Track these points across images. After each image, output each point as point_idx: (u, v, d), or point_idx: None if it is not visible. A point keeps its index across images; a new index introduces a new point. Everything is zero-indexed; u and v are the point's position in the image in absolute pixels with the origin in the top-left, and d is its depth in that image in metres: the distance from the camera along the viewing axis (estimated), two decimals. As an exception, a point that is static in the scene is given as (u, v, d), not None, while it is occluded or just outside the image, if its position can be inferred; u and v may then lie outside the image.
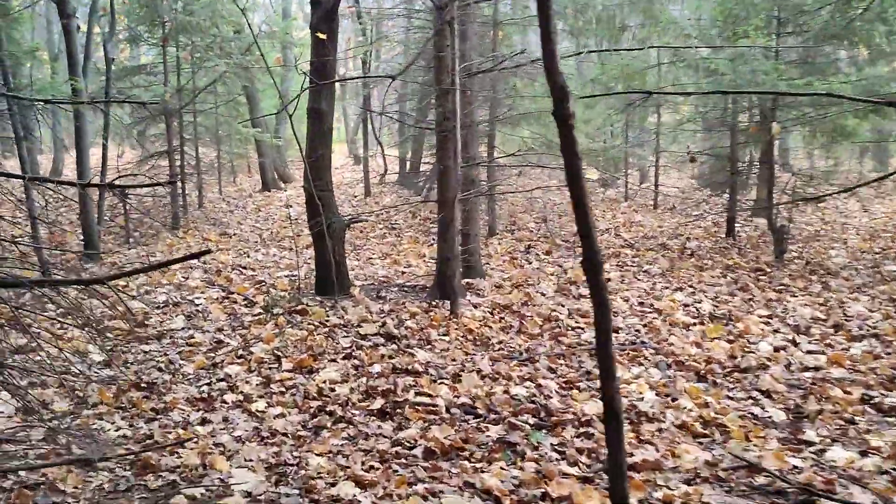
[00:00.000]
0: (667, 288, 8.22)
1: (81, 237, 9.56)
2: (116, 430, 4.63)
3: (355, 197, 17.06)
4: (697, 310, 7.21)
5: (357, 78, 8.46)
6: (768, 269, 9.04)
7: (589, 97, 9.98)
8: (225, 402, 5.10)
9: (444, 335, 6.49)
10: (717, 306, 7.38)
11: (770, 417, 4.67)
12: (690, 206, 15.79)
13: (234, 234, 12.24)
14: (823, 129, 9.71)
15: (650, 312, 7.19)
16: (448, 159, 7.32)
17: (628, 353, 5.99)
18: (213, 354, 6.14)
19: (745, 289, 8.12)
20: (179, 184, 13.27)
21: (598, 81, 12.15)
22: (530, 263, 9.86)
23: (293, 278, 8.59)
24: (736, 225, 11.77)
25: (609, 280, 8.65)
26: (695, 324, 6.76)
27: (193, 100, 12.49)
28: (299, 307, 7.24)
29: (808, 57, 9.41)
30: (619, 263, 9.77)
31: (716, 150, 11.45)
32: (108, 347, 6.31)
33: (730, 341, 6.27)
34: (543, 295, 7.83)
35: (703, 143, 15.53)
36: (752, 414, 4.73)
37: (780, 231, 9.63)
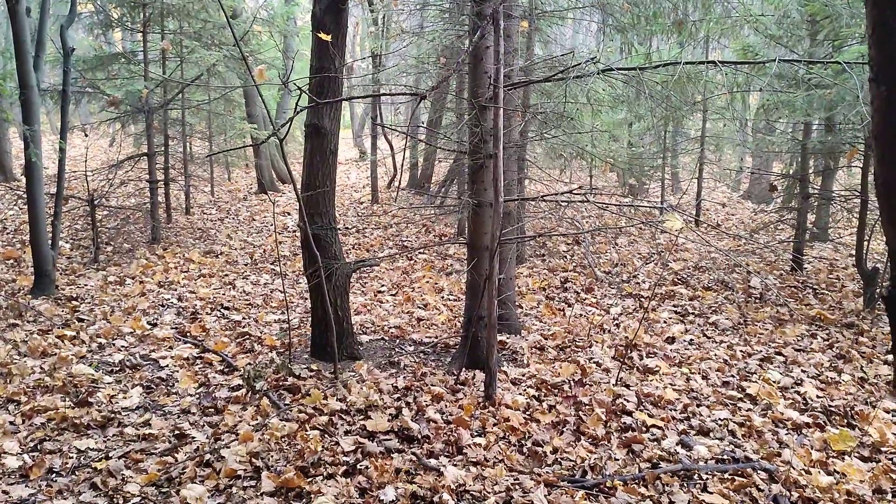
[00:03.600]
0: (749, 354, 6.59)
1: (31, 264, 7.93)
2: None
3: (361, 203, 15.40)
4: (803, 398, 5.58)
5: (373, 95, 6.85)
6: (864, 327, 7.41)
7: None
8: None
9: (478, 434, 4.89)
10: (824, 389, 5.76)
11: None
12: (735, 222, 14.14)
13: (221, 253, 10.60)
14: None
15: (741, 399, 5.57)
16: (485, 194, 5.69)
17: (731, 479, 4.38)
18: (169, 460, 4.53)
19: (847, 357, 6.51)
20: (161, 189, 11.63)
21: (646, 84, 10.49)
22: (570, 307, 8.24)
23: (285, 326, 6.99)
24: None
25: (674, 340, 7.03)
26: (808, 424, 5.14)
27: (178, 95, 10.81)
28: (289, 381, 5.63)
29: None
30: (678, 310, 8.15)
31: (785, 170, 9.77)
32: (33, 443, 4.72)
33: (864, 458, 4.66)
34: (599, 365, 6.20)
35: (752, 159, 13.91)
36: None
37: (874, 275, 7.99)
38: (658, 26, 9.58)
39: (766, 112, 9.62)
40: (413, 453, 4.61)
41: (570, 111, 8.92)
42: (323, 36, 4.63)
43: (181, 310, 7.71)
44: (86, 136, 17.81)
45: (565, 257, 10.91)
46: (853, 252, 9.69)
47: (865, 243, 8.22)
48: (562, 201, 5.70)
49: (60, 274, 8.85)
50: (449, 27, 9.84)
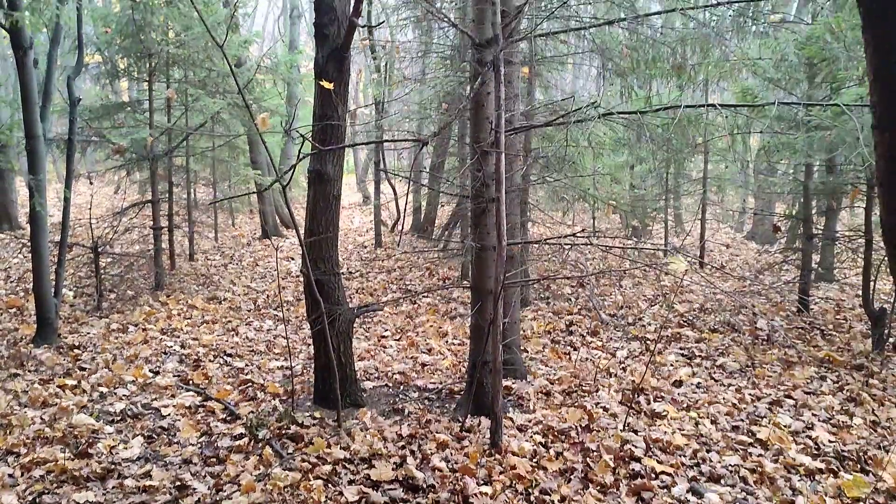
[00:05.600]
0: (758, 398, 6.50)
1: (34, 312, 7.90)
2: None
3: (365, 247, 15.41)
4: (815, 442, 5.48)
5: (375, 142, 6.88)
6: (875, 369, 7.32)
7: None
8: None
9: (485, 483, 4.80)
10: (836, 433, 5.66)
11: None
12: (740, 263, 14.10)
13: (224, 300, 10.58)
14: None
15: (751, 444, 5.47)
16: (488, 238, 5.68)
17: (745, 527, 4.27)
18: (170, 513, 4.45)
19: (858, 400, 6.41)
20: (165, 235, 11.66)
21: (646, 128, 10.58)
22: (576, 350, 8.16)
23: (288, 373, 6.93)
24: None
25: (681, 383, 6.94)
26: (821, 470, 5.03)
27: (182, 143, 10.90)
28: (292, 429, 5.56)
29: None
30: (685, 352, 8.07)
31: (788, 211, 9.76)
32: (32, 496, 4.63)
33: (879, 505, 4.56)
34: (606, 410, 6.11)
35: (755, 200, 13.95)
36: None
37: (881, 316, 7.92)
38: (657, 70, 9.67)
39: (766, 154, 9.65)
40: (418, 503, 4.52)
41: (571, 154, 8.97)
42: (325, 84, 4.67)
43: (184, 357, 7.65)
44: (91, 183, 17.94)
45: (570, 300, 10.85)
46: (860, 292, 9.64)
47: (872, 283, 8.17)
48: (565, 244, 5.68)
49: (63, 322, 8.82)
50: (450, 73, 9.97)
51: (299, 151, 4.24)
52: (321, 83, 4.87)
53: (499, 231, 5.34)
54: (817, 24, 7.51)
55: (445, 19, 5.34)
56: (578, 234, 5.41)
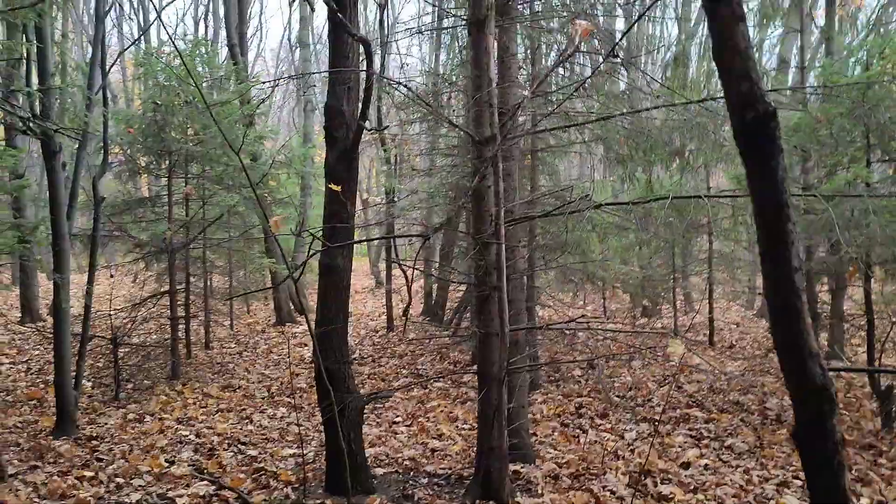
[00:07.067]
0: (766, 479, 6.54)
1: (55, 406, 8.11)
2: None
3: (377, 332, 15.61)
4: (821, 524, 5.50)
5: (384, 237, 7.25)
6: (883, 448, 7.34)
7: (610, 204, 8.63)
8: None
9: (492, 571, 4.86)
10: (842, 515, 5.67)
11: None
12: (750, 341, 14.16)
13: (239, 388, 10.75)
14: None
15: (759, 527, 5.51)
16: (490, 324, 5.89)
17: None
18: None
19: (866, 481, 6.43)
20: (182, 325, 11.94)
21: (645, 209, 10.91)
22: (585, 433, 8.24)
23: (300, 461, 7.04)
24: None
25: (689, 465, 7.00)
26: (827, 552, 5.05)
27: (199, 236, 11.31)
28: (304, 517, 5.67)
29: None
30: (693, 433, 8.12)
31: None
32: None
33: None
34: (613, 493, 6.18)
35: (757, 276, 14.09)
36: None
37: (887, 394, 7.98)
38: (656, 156, 10.06)
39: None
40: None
41: (577, 238, 9.26)
42: (333, 186, 5.02)
43: (198, 446, 7.79)
44: (111, 276, 18.42)
45: (580, 382, 10.94)
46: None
47: (877, 362, 8.26)
48: (567, 330, 5.88)
49: (81, 412, 9.00)
50: (458, 164, 10.40)
51: (309, 247, 4.53)
52: (330, 186, 5.21)
53: (501, 318, 5.57)
54: (804, 112, 7.89)
55: (447, 120, 5.72)
56: (579, 320, 5.63)
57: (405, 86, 5.03)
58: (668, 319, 16.52)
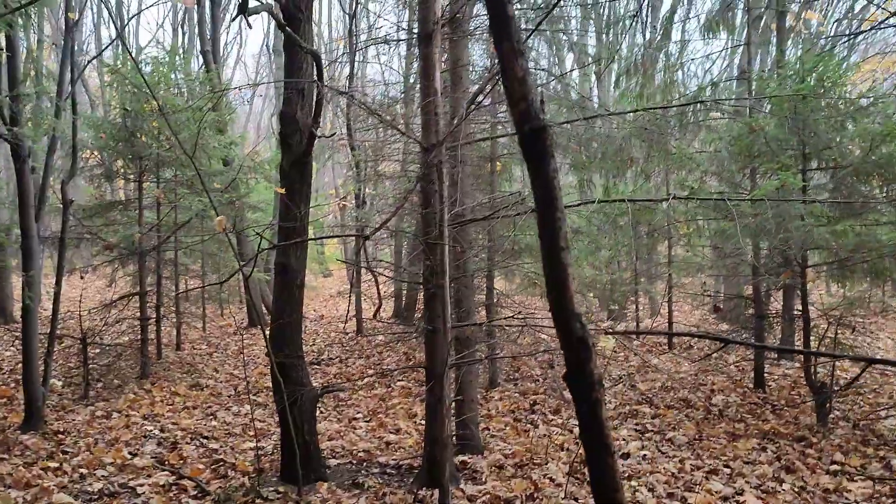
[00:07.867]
0: (698, 468, 6.93)
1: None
2: None
3: (346, 335, 15.93)
4: (742, 507, 5.91)
5: (330, 237, 7.57)
6: (814, 440, 7.76)
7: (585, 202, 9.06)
8: None
9: (430, 549, 5.21)
10: (763, 499, 6.08)
11: None
12: (708, 345, 14.60)
13: (207, 386, 11.03)
14: (855, 270, 8.78)
15: (683, 509, 5.90)
16: (436, 320, 6.24)
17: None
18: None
19: (792, 469, 6.84)
20: (153, 326, 12.19)
21: (605, 213, 11.35)
22: (536, 427, 8.61)
23: (260, 452, 7.35)
24: (764, 373, 10.63)
25: (628, 455, 7.38)
26: (743, 531, 5.46)
27: (168, 239, 11.59)
28: (257, 503, 5.97)
29: (837, 196, 8.50)
30: (639, 427, 8.51)
31: (738, 292, 10.39)
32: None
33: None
34: (552, 481, 6.54)
35: (720, 280, 14.59)
36: None
37: (821, 390, 8.41)
38: (610, 164, 10.49)
39: (717, 237, 10.34)
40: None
41: (529, 242, 9.64)
42: (278, 189, 5.36)
43: (162, 440, 8.07)
44: (81, 278, 18.62)
45: (538, 381, 11.31)
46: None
47: (813, 359, 8.69)
48: (506, 326, 6.25)
49: (51, 410, 9.24)
50: (414, 170, 10.78)
51: (258, 245, 4.86)
52: (283, 189, 5.56)
53: (444, 315, 5.93)
54: (741, 123, 8.35)
55: (395, 127, 6.08)
56: (517, 317, 5.98)
57: (351, 95, 5.39)
58: (632, 323, 16.96)
